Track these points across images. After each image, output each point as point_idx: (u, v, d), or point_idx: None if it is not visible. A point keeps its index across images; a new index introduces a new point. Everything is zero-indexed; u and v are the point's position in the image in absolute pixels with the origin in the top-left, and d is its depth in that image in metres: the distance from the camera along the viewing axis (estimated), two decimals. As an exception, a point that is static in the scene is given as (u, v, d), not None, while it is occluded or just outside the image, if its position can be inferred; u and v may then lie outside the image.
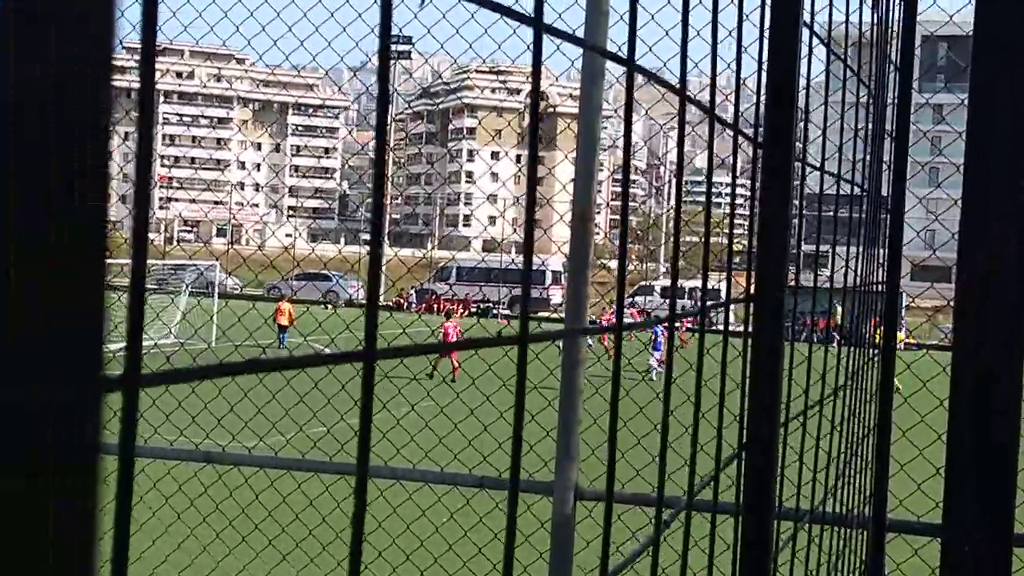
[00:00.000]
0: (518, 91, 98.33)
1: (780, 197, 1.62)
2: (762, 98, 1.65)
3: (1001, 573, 3.05)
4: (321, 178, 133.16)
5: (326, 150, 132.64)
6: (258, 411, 5.14)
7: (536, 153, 0.85)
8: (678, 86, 1.16)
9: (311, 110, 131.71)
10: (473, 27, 5.46)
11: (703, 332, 1.23)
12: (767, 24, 1.62)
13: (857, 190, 2.87)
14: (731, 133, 1.51)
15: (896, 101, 3.30)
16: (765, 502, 1.60)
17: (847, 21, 2.19)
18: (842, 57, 2.15)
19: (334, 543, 5.37)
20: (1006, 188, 3.05)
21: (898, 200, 3.31)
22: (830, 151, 2.73)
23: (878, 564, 3.25)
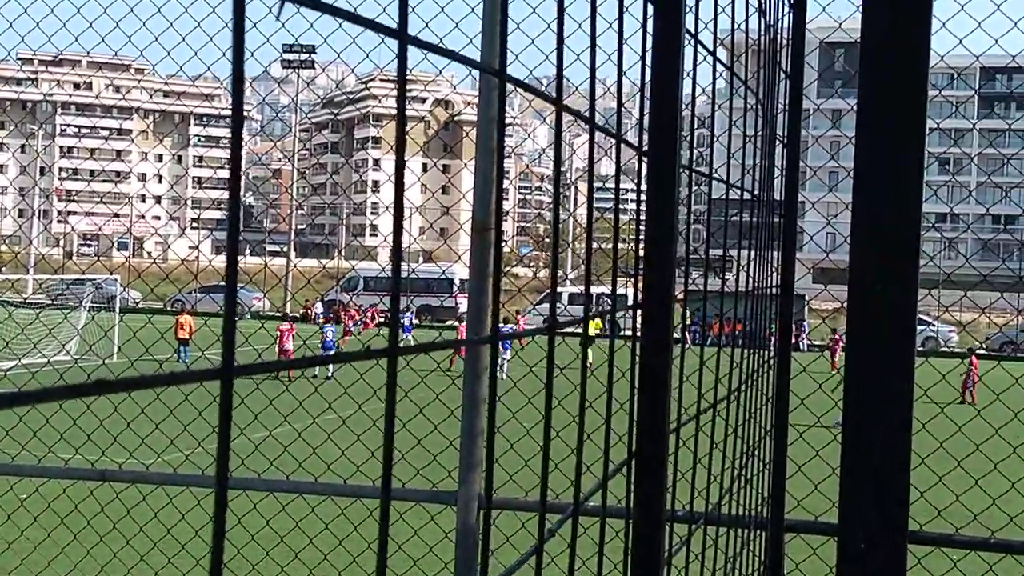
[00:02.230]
0: (422, 99, 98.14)
1: (664, 203, 1.63)
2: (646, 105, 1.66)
3: (896, 570, 3.11)
4: (223, 189, 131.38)
5: (228, 160, 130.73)
6: (156, 427, 5.04)
7: (403, 163, 0.85)
8: (588, 97, 1.16)
9: (211, 120, 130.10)
10: (374, 36, 5.43)
11: (585, 339, 1.23)
12: (650, 31, 1.63)
13: (748, 195, 2.91)
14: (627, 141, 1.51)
15: (787, 107, 3.35)
16: (655, 506, 1.61)
17: (733, 28, 2.22)
18: (728, 65, 2.17)
19: (235, 559, 5.30)
20: (894, 197, 3.12)
21: (791, 204, 3.36)
22: (724, 158, 2.76)
23: (777, 564, 3.30)
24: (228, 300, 0.64)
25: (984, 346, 41.57)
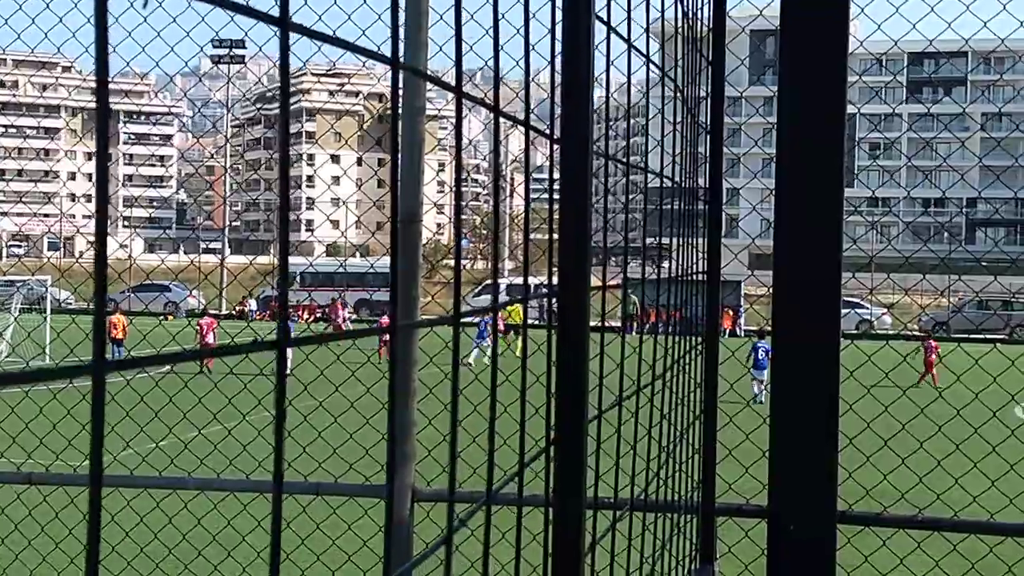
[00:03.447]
0: (357, 93, 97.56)
1: (577, 191, 1.62)
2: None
3: (825, 549, 3.15)
4: (156, 187, 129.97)
5: (160, 158, 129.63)
6: (83, 428, 4.96)
7: (287, 152, 0.83)
8: (498, 87, 1.15)
9: (144, 118, 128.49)
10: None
11: (495, 329, 1.23)
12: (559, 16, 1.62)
13: (673, 184, 2.91)
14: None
15: (710, 95, 3.36)
16: (574, 493, 1.61)
17: (647, 14, 2.22)
18: (643, 52, 2.17)
19: (166, 560, 5.26)
20: (815, 181, 3.14)
21: (715, 191, 3.38)
22: (649, 147, 2.76)
23: (709, 548, 3.32)
24: (98, 295, 0.62)
25: (918, 327, 42.15)
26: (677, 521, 2.84)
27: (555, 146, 1.64)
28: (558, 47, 1.65)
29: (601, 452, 1.90)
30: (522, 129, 1.47)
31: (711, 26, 3.35)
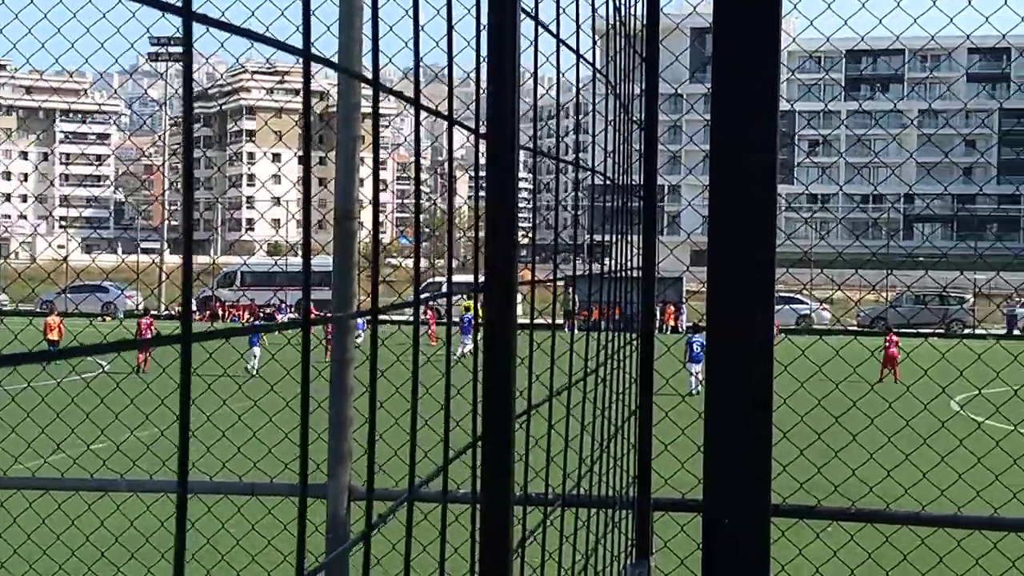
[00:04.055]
0: (297, 91, 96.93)
1: (504, 186, 1.62)
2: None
3: (759, 542, 3.17)
4: (95, 186, 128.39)
5: (98, 157, 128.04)
6: (42, 431, 4.91)
7: (191, 147, 0.82)
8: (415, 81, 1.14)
9: (81, 116, 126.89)
10: (249, 25, 5.30)
11: (417, 324, 1.22)
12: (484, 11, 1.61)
13: (608, 181, 2.92)
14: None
15: (643, 92, 3.37)
16: (501, 488, 1.60)
17: (578, 10, 2.22)
18: (574, 49, 2.17)
19: (129, 563, 5.20)
20: (748, 179, 3.16)
21: (650, 187, 3.39)
22: (586, 143, 2.76)
23: (645, 543, 3.33)
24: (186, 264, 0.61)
25: (856, 322, 42.67)
26: (613, 516, 2.85)
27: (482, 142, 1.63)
28: (484, 41, 1.64)
29: (536, 448, 1.90)
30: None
31: (645, 23, 3.36)
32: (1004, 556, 4.52)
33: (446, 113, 1.48)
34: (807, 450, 4.53)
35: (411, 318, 1.31)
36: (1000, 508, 4.30)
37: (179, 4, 0.81)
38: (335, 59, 4.66)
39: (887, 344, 27.49)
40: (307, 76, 0.97)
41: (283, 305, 39.65)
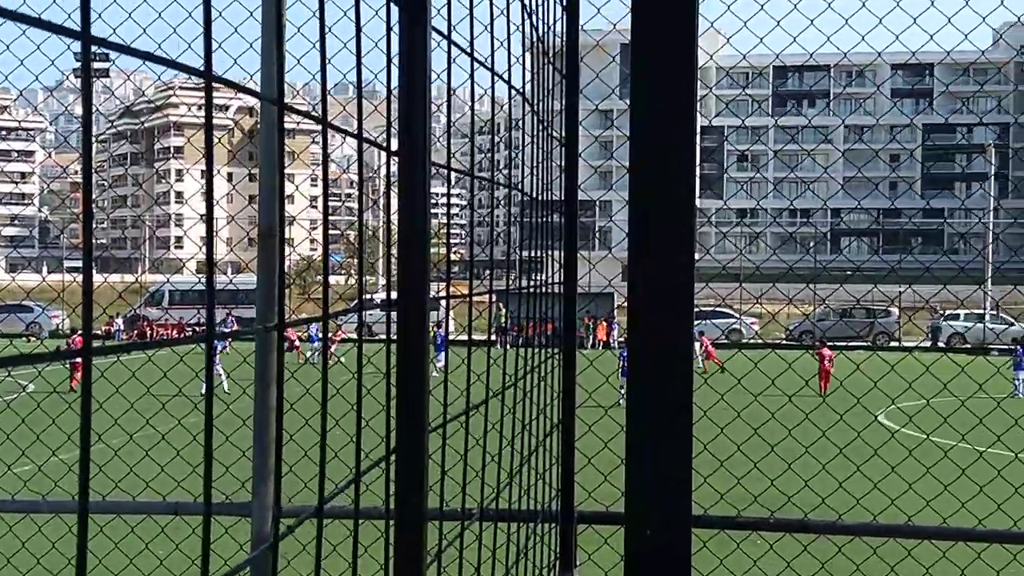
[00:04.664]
0: (226, 107, 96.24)
1: (415, 202, 1.64)
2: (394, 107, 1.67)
3: (681, 553, 3.21)
4: (18, 204, 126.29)
5: (22, 175, 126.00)
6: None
7: (90, 167, 0.83)
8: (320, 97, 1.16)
9: (3, 133, 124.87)
10: (176, 42, 5.26)
11: (326, 341, 1.24)
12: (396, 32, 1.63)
13: (527, 197, 2.95)
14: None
15: (564, 108, 3.41)
16: (413, 503, 1.62)
17: (493, 28, 2.25)
18: (488, 66, 2.20)
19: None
20: (666, 190, 3.21)
21: (571, 203, 3.42)
22: (508, 160, 2.79)
23: (568, 554, 3.35)
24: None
25: (784, 336, 43.15)
26: (536, 529, 2.87)
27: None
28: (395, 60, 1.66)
29: (454, 462, 1.92)
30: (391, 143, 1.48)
31: (565, 40, 3.39)
32: (919, 564, 4.62)
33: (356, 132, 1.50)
34: (727, 461, 4.60)
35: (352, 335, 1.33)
36: (914, 516, 4.40)
37: (78, 28, 0.82)
38: (259, 75, 4.65)
39: (820, 359, 27.70)
40: (209, 97, 0.98)
41: (229, 319, 39.22)
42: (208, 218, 0.96)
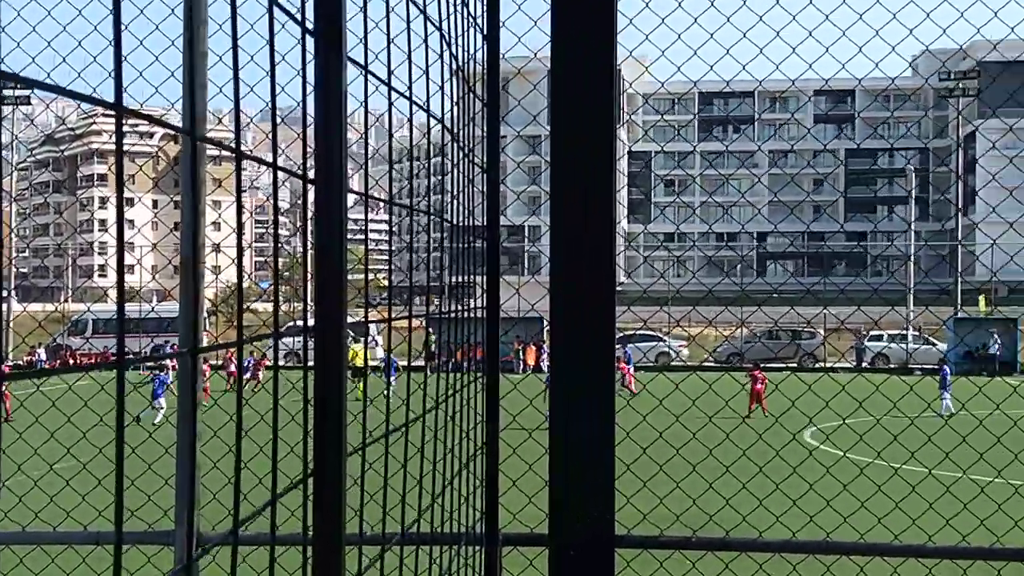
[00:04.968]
0: (150, 135, 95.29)
1: (331, 229, 1.66)
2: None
3: (604, 573, 3.25)
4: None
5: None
6: None
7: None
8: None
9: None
10: (98, 70, 5.21)
11: (240, 366, 1.25)
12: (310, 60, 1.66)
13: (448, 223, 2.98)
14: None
15: (485, 135, 3.45)
16: (331, 528, 1.63)
17: (410, 55, 2.28)
18: (405, 95, 2.23)
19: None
20: (587, 216, 3.26)
21: (493, 228, 3.46)
22: (430, 187, 2.82)
23: (494, 578, 3.37)
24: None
25: (712, 358, 43.55)
26: (461, 552, 2.89)
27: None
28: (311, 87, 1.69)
29: (378, 486, 1.93)
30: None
31: (485, 68, 3.43)
32: (837, 579, 4.73)
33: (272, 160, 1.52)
34: (650, 482, 4.66)
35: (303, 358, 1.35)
36: (832, 532, 4.49)
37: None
38: (180, 104, 4.64)
39: (753, 381, 27.91)
40: (119, 128, 1.00)
41: (167, 346, 38.64)
42: (119, 248, 0.98)
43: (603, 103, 3.34)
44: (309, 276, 1.68)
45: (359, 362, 26.86)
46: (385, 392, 1.96)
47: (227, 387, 32.70)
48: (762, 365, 30.48)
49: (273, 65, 1.46)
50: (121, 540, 1.00)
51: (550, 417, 3.11)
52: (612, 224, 3.35)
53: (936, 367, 32.41)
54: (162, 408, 27.53)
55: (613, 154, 3.37)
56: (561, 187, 3.32)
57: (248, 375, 35.64)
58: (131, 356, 1.02)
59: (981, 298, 61.81)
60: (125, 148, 1.06)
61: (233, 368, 37.01)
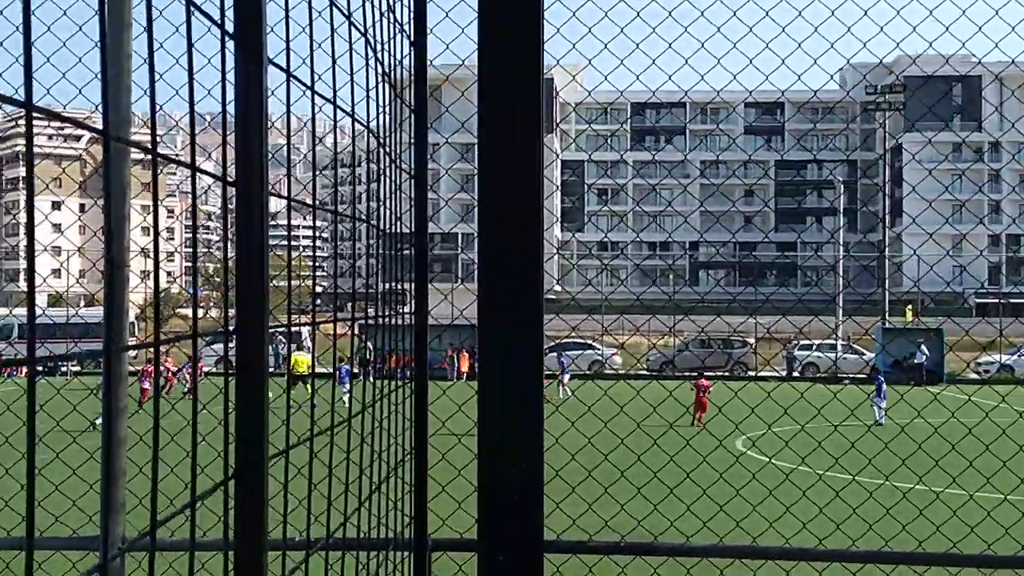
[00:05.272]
0: (77, 137, 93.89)
1: (253, 234, 1.66)
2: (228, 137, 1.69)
3: (532, 577, 3.26)
4: None
5: None
6: None
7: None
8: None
9: None
10: (18, 71, 5.14)
11: (157, 367, 1.25)
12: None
13: (373, 228, 2.98)
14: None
15: (413, 142, 3.45)
16: (255, 530, 1.63)
17: (334, 59, 2.28)
18: (329, 98, 2.23)
19: None
20: (515, 228, 3.27)
21: (421, 235, 3.46)
22: (356, 195, 2.81)
23: (421, 583, 3.37)
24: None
25: (646, 367, 43.77)
26: (389, 556, 2.88)
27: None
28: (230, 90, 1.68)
29: (301, 493, 1.93)
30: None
31: (412, 75, 3.43)
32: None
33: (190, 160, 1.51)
34: (579, 487, 4.68)
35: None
36: (758, 537, 4.54)
37: None
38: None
39: (698, 389, 27.89)
40: (29, 127, 0.99)
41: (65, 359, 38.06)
42: (29, 245, 0.97)
43: (530, 110, 3.36)
44: (230, 280, 1.67)
45: (303, 369, 26.71)
46: (311, 399, 1.96)
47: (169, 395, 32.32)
48: (698, 373, 30.58)
49: (191, 68, 1.46)
50: (33, 546, 0.99)
51: (479, 422, 3.12)
52: (540, 231, 3.36)
53: (865, 376, 32.79)
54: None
55: (540, 161, 3.38)
56: (488, 193, 3.33)
57: (176, 379, 35.30)
58: (46, 356, 1.01)
59: (908, 308, 62.84)
60: (50, 151, 1.05)
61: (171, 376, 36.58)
